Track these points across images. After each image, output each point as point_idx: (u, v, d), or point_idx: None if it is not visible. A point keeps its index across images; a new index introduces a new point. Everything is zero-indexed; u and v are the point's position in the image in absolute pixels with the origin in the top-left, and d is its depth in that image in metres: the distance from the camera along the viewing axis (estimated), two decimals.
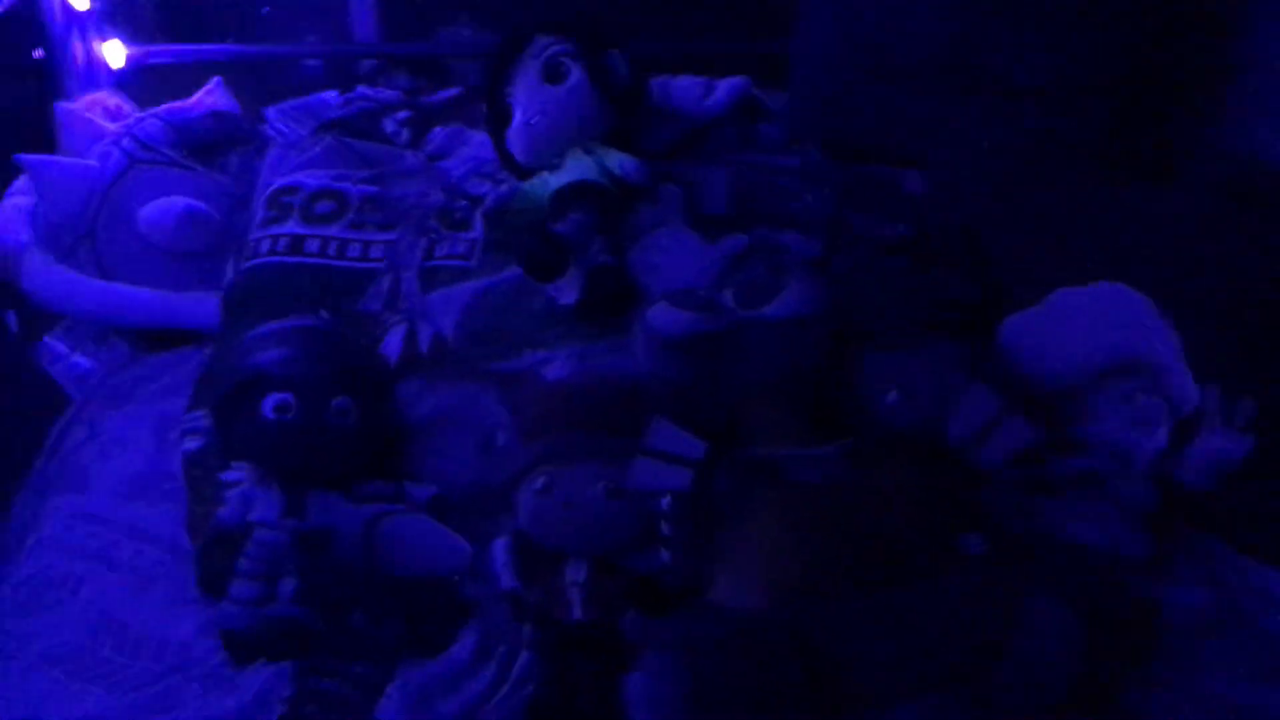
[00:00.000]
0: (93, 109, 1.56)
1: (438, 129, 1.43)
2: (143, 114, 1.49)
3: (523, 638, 0.91)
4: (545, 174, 1.20)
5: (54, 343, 1.33)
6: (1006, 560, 0.87)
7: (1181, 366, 1.01)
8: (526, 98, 1.21)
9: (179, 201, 1.34)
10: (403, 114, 1.47)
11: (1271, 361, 1.01)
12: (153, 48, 1.75)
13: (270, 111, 1.60)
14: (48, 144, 1.50)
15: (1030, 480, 0.99)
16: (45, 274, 1.33)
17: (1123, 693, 0.86)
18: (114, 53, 1.71)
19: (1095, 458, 1.01)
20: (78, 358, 1.29)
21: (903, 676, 0.82)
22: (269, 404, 0.96)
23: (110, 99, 1.60)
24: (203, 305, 1.28)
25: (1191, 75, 1.27)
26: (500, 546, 0.95)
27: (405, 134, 1.44)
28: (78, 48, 1.67)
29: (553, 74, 1.21)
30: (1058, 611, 0.82)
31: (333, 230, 1.23)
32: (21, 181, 1.43)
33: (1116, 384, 1.03)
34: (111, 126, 1.48)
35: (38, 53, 1.64)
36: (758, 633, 0.80)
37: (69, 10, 1.64)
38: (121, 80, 1.71)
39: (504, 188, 1.22)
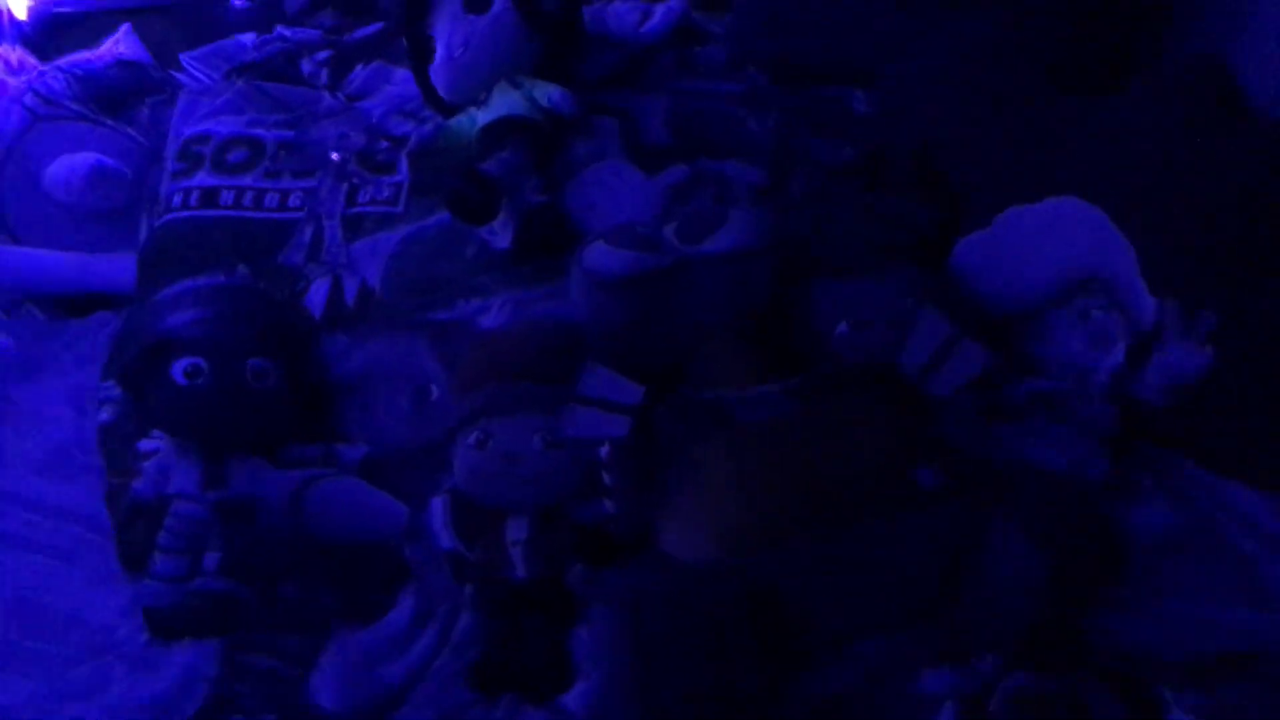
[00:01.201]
0: None
1: (358, 68, 1.36)
2: (45, 67, 1.41)
3: (464, 599, 0.87)
4: (472, 110, 1.14)
5: None
6: (965, 492, 0.83)
7: (1138, 280, 0.97)
8: (448, 29, 1.15)
9: (87, 158, 1.27)
10: (322, 54, 1.39)
11: (1230, 271, 0.97)
12: None
13: (185, 58, 1.52)
14: None
15: (988, 405, 0.96)
16: None
17: (1090, 618, 0.84)
18: (16, 0, 1.61)
19: (1053, 379, 0.98)
20: None
21: (859, 618, 0.79)
22: (178, 369, 0.91)
23: (11, 53, 1.50)
24: (119, 267, 1.21)
25: None
26: (438, 505, 0.91)
27: (324, 75, 1.36)
28: None
29: (475, 2, 1.14)
30: (1018, 543, 0.79)
31: (247, 180, 1.16)
32: None
33: (1072, 302, 1.00)
34: (12, 81, 1.39)
35: None
36: (705, 584, 0.77)
37: None
38: (26, 32, 1.61)
39: (428, 126, 1.16)
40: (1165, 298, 0.96)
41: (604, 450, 0.86)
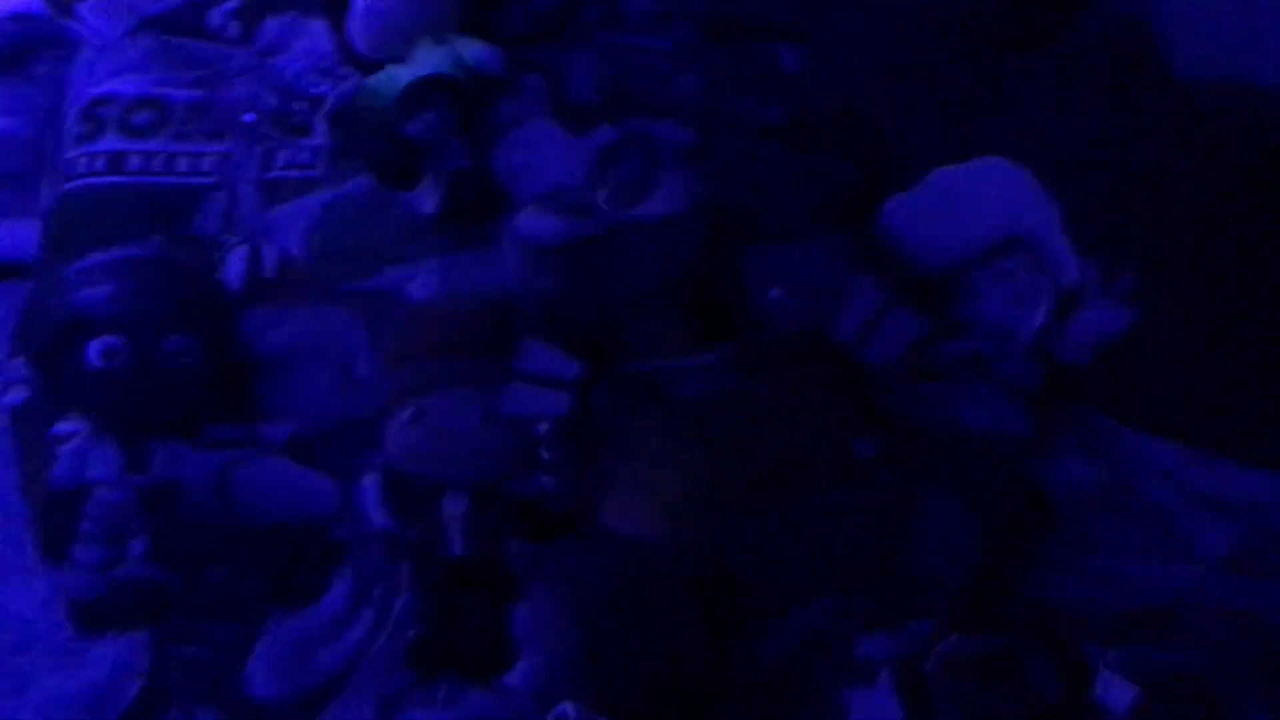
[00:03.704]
0: None
1: (270, 19, 1.30)
2: None
3: (400, 578, 0.86)
4: (392, 67, 1.09)
5: None
6: (900, 459, 0.85)
7: (1062, 240, 0.99)
8: None
9: None
10: (231, 4, 1.32)
11: (1149, 230, 0.99)
12: None
13: (83, 8, 1.43)
14: None
15: (915, 367, 0.97)
16: None
17: (1018, 577, 0.86)
18: None
19: (976, 338, 1.00)
20: None
21: (800, 588, 0.80)
22: (95, 349, 0.88)
23: None
24: (19, 235, 1.15)
25: None
26: (370, 483, 0.90)
27: (235, 27, 1.29)
28: None
29: None
30: (949, 506, 0.81)
31: (156, 144, 1.11)
32: None
33: (997, 261, 1.01)
34: None
35: None
36: (646, 559, 0.77)
37: None
38: None
39: (347, 85, 1.11)
40: (1087, 257, 0.98)
41: (542, 426, 0.85)
